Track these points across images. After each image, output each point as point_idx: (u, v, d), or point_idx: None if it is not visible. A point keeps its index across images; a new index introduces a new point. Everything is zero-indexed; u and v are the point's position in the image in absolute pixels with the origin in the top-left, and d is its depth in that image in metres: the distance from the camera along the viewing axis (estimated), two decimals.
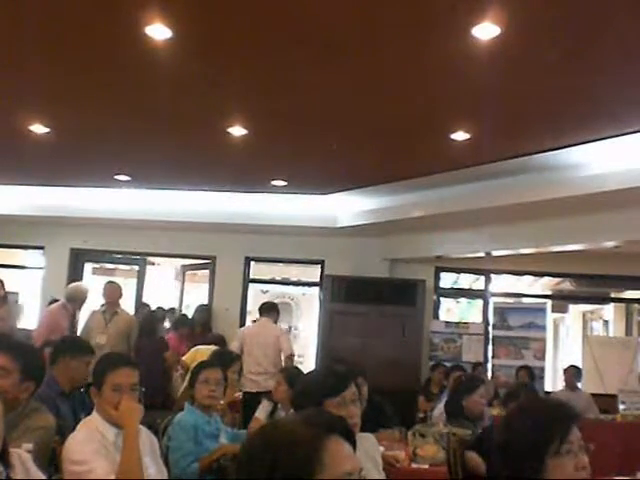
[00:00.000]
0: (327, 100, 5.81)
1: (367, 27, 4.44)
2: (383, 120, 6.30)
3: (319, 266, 10.89)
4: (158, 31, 4.53)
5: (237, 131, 6.69)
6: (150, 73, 5.36)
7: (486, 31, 4.36)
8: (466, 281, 11.86)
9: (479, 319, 10.83)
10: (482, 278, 10.95)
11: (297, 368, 6.05)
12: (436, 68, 5.03)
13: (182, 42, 4.73)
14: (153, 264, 12.58)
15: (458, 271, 11.06)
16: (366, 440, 3.23)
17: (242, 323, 10.74)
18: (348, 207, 9.81)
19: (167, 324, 10.11)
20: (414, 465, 4.65)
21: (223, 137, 6.86)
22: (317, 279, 10.96)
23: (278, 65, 5.10)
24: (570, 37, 4.49)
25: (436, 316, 10.63)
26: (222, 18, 4.37)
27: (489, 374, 9.63)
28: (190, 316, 10.15)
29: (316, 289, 11.07)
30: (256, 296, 10.97)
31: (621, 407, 8.46)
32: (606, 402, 8.81)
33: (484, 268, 10.60)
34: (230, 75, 5.38)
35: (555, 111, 5.85)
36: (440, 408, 6.54)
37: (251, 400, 6.88)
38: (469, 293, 11.93)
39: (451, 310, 12.45)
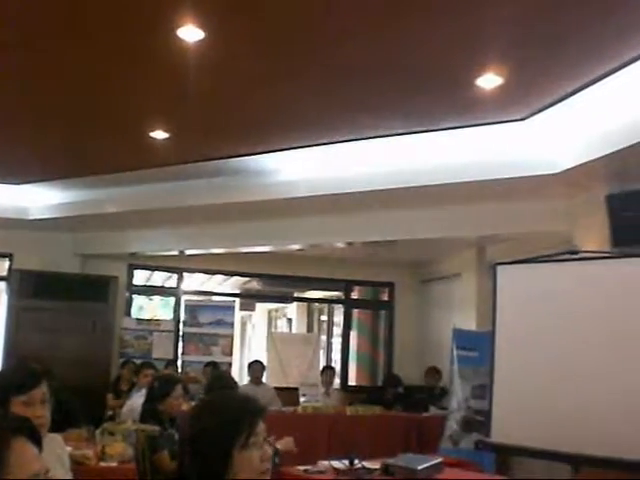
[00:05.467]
0: (21, 86, 5.53)
1: (72, 16, 4.33)
2: (78, 112, 6.13)
3: (7, 260, 10.28)
4: None
5: None
6: None
7: (191, 34, 4.44)
8: (159, 279, 11.91)
9: (171, 316, 10.93)
10: (175, 276, 11.06)
11: None
12: (139, 64, 5.02)
13: None
14: None
15: (152, 269, 11.06)
16: (52, 440, 3.17)
17: None
18: (40, 199, 9.39)
19: None
20: (102, 464, 4.62)
21: None
22: (4, 273, 10.34)
23: None
24: (272, 52, 4.76)
25: (128, 313, 10.54)
26: None
27: (179, 370, 9.75)
28: None
29: (2, 284, 10.45)
30: None
31: (302, 399, 9.02)
32: (288, 395, 9.31)
33: (177, 266, 10.72)
34: None
35: (253, 119, 6.11)
36: (129, 405, 6.53)
37: None
38: (162, 291, 11.98)
39: (143, 307, 12.42)
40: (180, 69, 5.04)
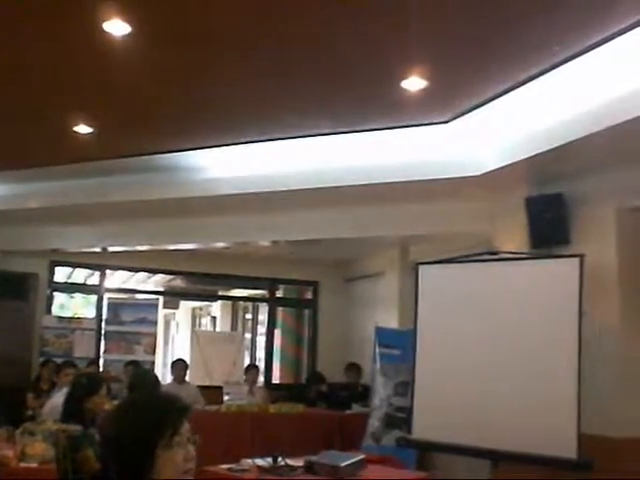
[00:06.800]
0: None
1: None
2: (3, 104, 6.01)
3: None
4: None
5: None
6: None
7: (117, 28, 4.39)
8: (81, 276, 11.71)
9: (93, 314, 10.76)
10: (97, 273, 10.89)
11: None
12: (64, 56, 4.91)
13: None
14: None
15: (74, 265, 10.86)
16: None
17: None
18: None
19: None
20: (23, 464, 4.55)
21: None
22: None
23: None
24: (198, 48, 4.75)
25: (49, 311, 10.33)
26: None
27: (101, 369, 9.61)
28: None
29: None
30: None
31: (226, 398, 8.99)
32: (212, 394, 9.26)
33: (100, 263, 10.56)
34: None
35: (180, 115, 6.08)
36: (50, 405, 6.41)
37: None
38: (84, 288, 11.78)
39: (65, 305, 12.19)
40: (106, 63, 4.99)
